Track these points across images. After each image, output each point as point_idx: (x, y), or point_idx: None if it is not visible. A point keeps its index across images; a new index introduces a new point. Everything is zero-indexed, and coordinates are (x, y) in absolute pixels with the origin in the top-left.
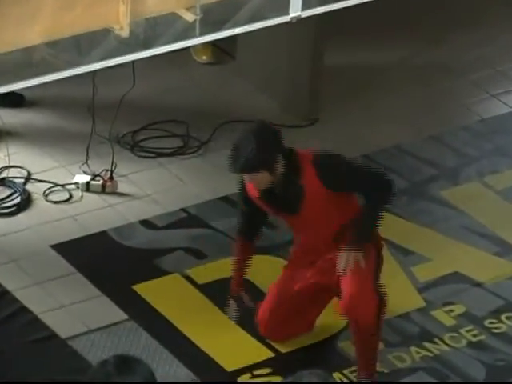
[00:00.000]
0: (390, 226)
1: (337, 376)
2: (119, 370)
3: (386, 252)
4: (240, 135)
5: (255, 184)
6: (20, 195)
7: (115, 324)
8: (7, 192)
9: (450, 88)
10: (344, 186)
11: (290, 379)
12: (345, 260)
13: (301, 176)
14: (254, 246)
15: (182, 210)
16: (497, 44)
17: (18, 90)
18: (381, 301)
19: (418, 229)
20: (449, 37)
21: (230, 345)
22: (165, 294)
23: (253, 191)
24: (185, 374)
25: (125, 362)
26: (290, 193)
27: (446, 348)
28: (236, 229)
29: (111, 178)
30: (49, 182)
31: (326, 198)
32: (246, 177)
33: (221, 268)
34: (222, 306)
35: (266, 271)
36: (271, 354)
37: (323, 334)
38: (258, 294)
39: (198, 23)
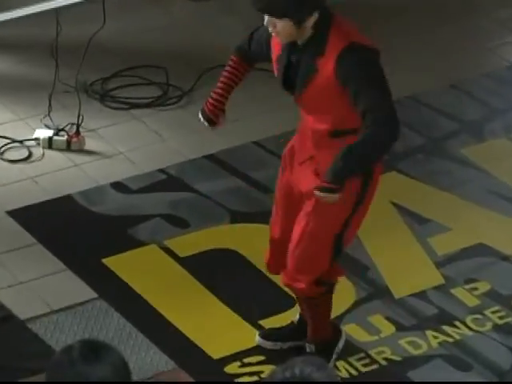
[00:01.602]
0: (403, 189)
1: (341, 365)
2: (85, 357)
3: (398, 220)
4: None
5: (275, 32)
6: None
7: (82, 303)
8: None
9: (472, 28)
10: (349, 85)
11: (281, 367)
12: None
13: (323, 47)
14: (247, 68)
15: (161, 170)
16: None
17: None
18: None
19: (436, 192)
20: None
21: (217, 328)
22: (140, 268)
23: (276, 45)
24: (164, 361)
25: (92, 349)
26: (304, 64)
27: (468, 332)
28: (236, 44)
29: (77, 132)
30: (4, 138)
31: (331, 87)
32: (266, 20)
33: (206, 239)
34: (207, 283)
35: (255, 241)
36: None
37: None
38: (249, 273)
39: None
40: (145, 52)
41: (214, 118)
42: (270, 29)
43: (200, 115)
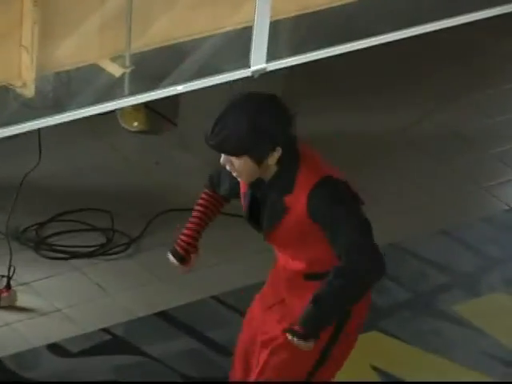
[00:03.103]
0: (386, 352)
1: None
2: None
3: None
4: (236, 99)
5: (233, 171)
6: None
7: None
8: None
9: (466, 165)
10: (324, 224)
11: None
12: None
13: (292, 184)
14: (221, 201)
15: (105, 330)
16: None
17: None
18: None
19: (423, 355)
20: (463, 96)
21: None
22: None
23: (242, 183)
24: None
25: None
26: (271, 204)
27: None
28: (205, 180)
29: (8, 286)
30: None
31: (304, 225)
32: (223, 159)
33: None
34: None
35: None
36: None
37: None
38: None
39: (127, 78)
40: (86, 193)
41: (186, 257)
42: (227, 168)
43: (170, 255)
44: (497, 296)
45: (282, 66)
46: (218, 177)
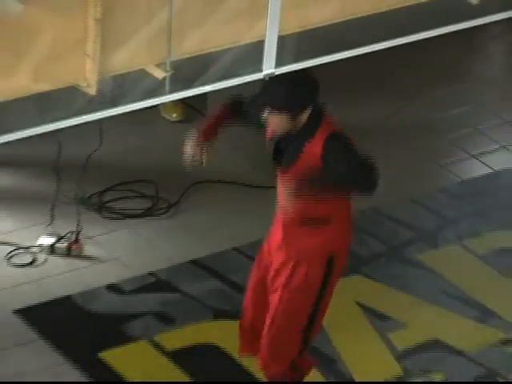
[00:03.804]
0: (367, 291)
1: None
2: None
3: (362, 318)
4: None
5: (273, 125)
6: None
7: None
8: None
9: (429, 148)
10: (331, 160)
11: None
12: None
13: (311, 138)
14: (232, 118)
15: (151, 273)
16: (476, 102)
17: None
18: (299, 354)
19: (395, 293)
20: (426, 94)
21: None
22: (132, 361)
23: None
24: None
25: None
26: (294, 146)
27: None
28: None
29: (77, 240)
30: (11, 245)
31: (313, 167)
32: (266, 114)
33: (191, 334)
34: (191, 373)
35: (235, 336)
36: None
37: None
38: (229, 364)
39: (167, 80)
40: (137, 168)
41: (206, 146)
42: (267, 123)
43: (186, 150)
44: (451, 247)
45: (287, 70)
46: (242, 103)
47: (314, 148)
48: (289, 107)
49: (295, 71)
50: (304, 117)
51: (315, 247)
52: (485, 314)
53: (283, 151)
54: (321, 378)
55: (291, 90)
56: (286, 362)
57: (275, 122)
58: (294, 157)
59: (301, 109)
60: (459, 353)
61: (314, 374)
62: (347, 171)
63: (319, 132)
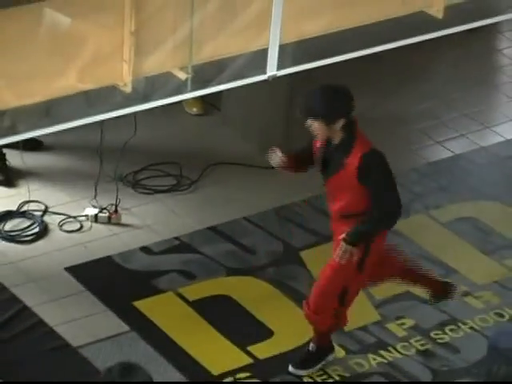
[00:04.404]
0: None
1: (305, 378)
2: (122, 375)
3: None
4: (324, 85)
5: (312, 129)
6: (38, 225)
7: (118, 335)
8: (27, 223)
9: (402, 136)
10: (366, 183)
11: None
12: (340, 249)
13: (350, 149)
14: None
15: (176, 238)
16: (441, 99)
17: (38, 136)
18: (337, 314)
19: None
20: (400, 91)
21: (216, 353)
22: (160, 309)
23: (316, 144)
24: (177, 377)
25: (127, 369)
26: (335, 160)
27: (398, 355)
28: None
29: (116, 211)
30: (63, 215)
31: (352, 180)
32: (308, 121)
33: (208, 287)
34: (209, 319)
35: (247, 291)
36: (250, 361)
37: (294, 342)
38: (240, 312)
39: (189, 81)
40: (164, 152)
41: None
42: (310, 128)
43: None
44: (419, 217)
45: (287, 72)
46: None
47: (352, 162)
48: (323, 114)
49: (334, 85)
50: (338, 125)
51: None
52: (447, 271)
53: (328, 163)
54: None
55: (327, 100)
56: (328, 313)
57: (314, 128)
58: (336, 170)
59: (334, 117)
60: (425, 301)
61: (304, 319)
62: (375, 189)
63: (356, 147)
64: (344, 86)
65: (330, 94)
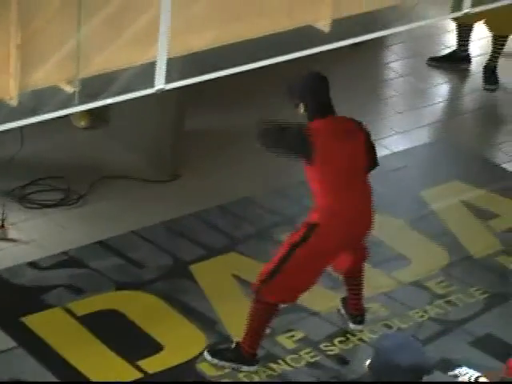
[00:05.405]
0: (241, 265)
1: None
2: None
3: (237, 287)
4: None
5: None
6: None
7: (6, 351)
8: None
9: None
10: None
11: None
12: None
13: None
14: None
15: (64, 252)
16: (373, 116)
17: None
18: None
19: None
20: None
21: (106, 368)
22: (49, 324)
23: None
24: None
25: None
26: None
27: (287, 368)
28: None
29: (2, 225)
30: None
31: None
32: None
33: (96, 302)
34: (98, 334)
35: (136, 305)
36: (140, 375)
37: (184, 356)
38: (129, 326)
39: (76, 94)
40: (52, 166)
41: None
42: None
43: None
44: None
45: (175, 86)
46: None
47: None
48: (289, 97)
49: (315, 71)
50: (300, 109)
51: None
52: (336, 284)
53: None
54: (203, 338)
55: (295, 82)
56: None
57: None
58: None
59: (291, 98)
60: (315, 314)
61: (196, 333)
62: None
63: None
64: (321, 73)
65: (302, 78)
